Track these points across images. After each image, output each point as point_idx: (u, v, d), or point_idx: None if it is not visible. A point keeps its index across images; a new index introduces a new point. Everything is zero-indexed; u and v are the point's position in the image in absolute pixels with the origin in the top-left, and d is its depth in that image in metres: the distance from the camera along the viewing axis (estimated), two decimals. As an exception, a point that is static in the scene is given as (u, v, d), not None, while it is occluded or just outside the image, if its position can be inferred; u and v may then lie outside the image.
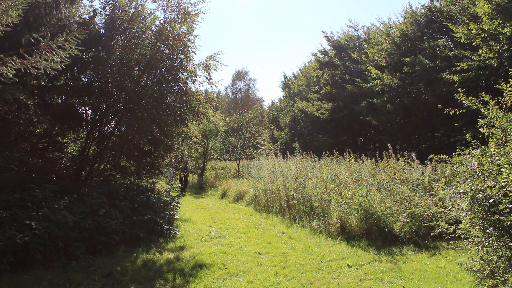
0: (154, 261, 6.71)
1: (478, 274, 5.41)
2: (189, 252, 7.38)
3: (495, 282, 4.76)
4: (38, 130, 9.24)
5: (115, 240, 7.17)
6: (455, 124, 15.66)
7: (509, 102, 5.90)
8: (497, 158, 5.15)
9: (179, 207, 10.23)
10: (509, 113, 5.67)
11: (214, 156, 24.45)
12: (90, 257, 6.56)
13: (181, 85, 9.84)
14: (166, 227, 8.77)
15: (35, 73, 5.74)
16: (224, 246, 7.84)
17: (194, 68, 10.02)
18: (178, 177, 18.10)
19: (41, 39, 5.93)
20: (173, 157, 11.43)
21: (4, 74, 5.34)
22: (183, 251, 7.48)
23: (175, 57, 9.76)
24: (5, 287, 5.05)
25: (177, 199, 10.14)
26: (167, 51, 9.68)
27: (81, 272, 5.87)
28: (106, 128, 9.99)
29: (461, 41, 16.34)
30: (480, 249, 5.21)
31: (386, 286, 5.53)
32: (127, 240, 7.58)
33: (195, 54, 10.12)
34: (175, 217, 9.70)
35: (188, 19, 9.74)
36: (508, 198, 4.68)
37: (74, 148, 10.20)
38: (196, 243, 8.11)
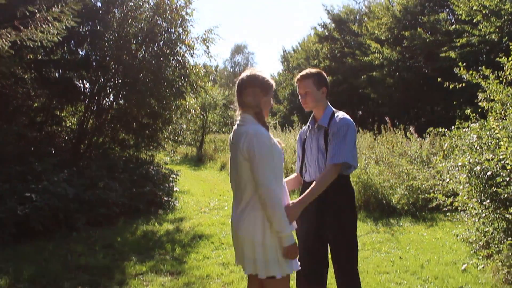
0: (154, 232, 6.79)
1: (473, 245, 5.50)
2: (188, 223, 7.46)
3: (490, 252, 4.83)
4: (36, 104, 9.19)
5: (115, 212, 7.23)
6: (454, 102, 15.61)
7: (509, 76, 5.87)
8: (496, 131, 5.16)
9: (178, 179, 10.29)
10: (509, 87, 5.65)
11: (213, 129, 24.45)
12: (91, 228, 6.63)
13: (179, 58, 9.78)
14: (166, 199, 8.85)
15: (32, 46, 5.67)
16: (223, 217, 7.92)
17: (192, 41, 9.94)
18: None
19: (36, 11, 5.83)
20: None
21: (0, 46, 5.28)
22: (182, 222, 7.56)
23: (173, 30, 9.67)
24: (8, 257, 5.13)
25: (176, 172, 10.18)
26: (164, 24, 9.58)
27: (82, 243, 5.95)
28: (104, 101, 9.96)
29: (462, 18, 16.18)
30: (476, 221, 5.27)
31: (384, 256, 5.61)
32: (127, 212, 7.65)
33: (193, 27, 10.06)
34: (175, 189, 9.77)
35: (186, -8, 9.60)
36: (505, 171, 4.71)
37: (73, 121, 10.19)
38: (195, 214, 8.20)
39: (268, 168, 2.47)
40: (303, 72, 3.15)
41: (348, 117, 3.11)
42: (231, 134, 2.74)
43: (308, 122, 3.33)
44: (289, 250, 2.50)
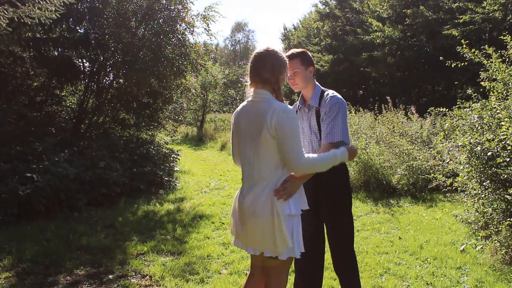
0: (155, 212, 6.83)
1: (472, 226, 5.53)
2: (189, 203, 7.50)
3: (489, 233, 4.87)
4: (36, 84, 9.13)
5: (116, 192, 7.25)
6: (456, 82, 15.54)
7: (513, 55, 5.81)
8: (497, 111, 5.14)
9: (179, 159, 10.31)
10: (511, 66, 5.60)
11: (213, 109, 24.39)
12: (92, 208, 6.66)
13: (179, 36, 9.68)
14: (166, 178, 8.87)
15: (30, 23, 5.60)
16: (223, 197, 7.96)
17: (192, 19, 9.83)
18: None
19: (33, -13, 5.74)
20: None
21: (-3, 23, 5.21)
22: (183, 202, 7.60)
23: (173, 7, 9.54)
24: (10, 237, 5.17)
25: (177, 151, 10.19)
26: (164, 1, 9.45)
27: (83, 223, 5.98)
28: (104, 80, 9.89)
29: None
30: (475, 201, 5.29)
31: (383, 236, 5.65)
32: (128, 192, 7.67)
33: (193, 4, 9.94)
34: (175, 169, 9.79)
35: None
36: (506, 151, 4.71)
37: (73, 101, 10.14)
38: (196, 194, 8.23)
39: (297, 144, 2.44)
40: (289, 53, 3.08)
41: (338, 95, 3.11)
42: (241, 110, 2.64)
43: (297, 102, 3.31)
44: (351, 154, 2.73)
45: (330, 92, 3.12)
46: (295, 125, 2.45)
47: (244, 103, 2.65)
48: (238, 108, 2.69)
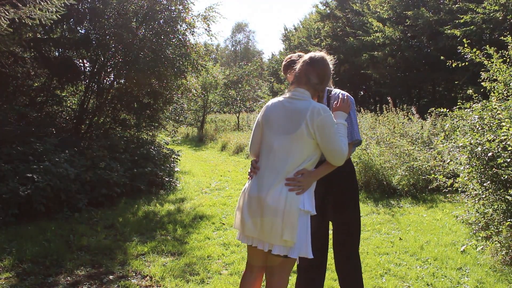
0: (155, 212, 6.83)
1: (473, 226, 5.53)
2: (189, 203, 7.50)
3: (489, 233, 4.86)
4: (36, 84, 9.13)
5: (116, 192, 7.25)
6: (456, 83, 15.54)
7: (514, 55, 5.81)
8: (498, 112, 5.13)
9: (179, 160, 10.31)
10: (512, 66, 5.60)
11: (214, 109, 24.41)
12: (92, 209, 6.66)
13: (180, 37, 9.68)
14: (167, 179, 8.87)
15: (30, 24, 5.61)
16: (224, 198, 7.96)
17: (193, 19, 9.83)
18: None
19: (34, -12, 5.74)
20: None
21: (-2, 24, 5.22)
22: (183, 202, 7.60)
23: (173, 8, 9.53)
24: (11, 237, 5.16)
25: (177, 152, 10.19)
26: (165, 1, 9.45)
27: (84, 223, 5.99)
28: (104, 81, 9.90)
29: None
30: (476, 202, 5.29)
31: (384, 237, 5.65)
32: (128, 192, 7.68)
33: (193, 5, 9.92)
34: (176, 170, 9.80)
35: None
36: (507, 152, 4.70)
37: (73, 101, 10.14)
38: (196, 195, 8.23)
39: (339, 137, 2.60)
40: (288, 61, 3.13)
41: (346, 93, 3.05)
42: (275, 105, 2.69)
43: None
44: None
45: (337, 91, 3.06)
46: (334, 122, 2.60)
47: (280, 98, 2.70)
48: (270, 102, 2.75)
